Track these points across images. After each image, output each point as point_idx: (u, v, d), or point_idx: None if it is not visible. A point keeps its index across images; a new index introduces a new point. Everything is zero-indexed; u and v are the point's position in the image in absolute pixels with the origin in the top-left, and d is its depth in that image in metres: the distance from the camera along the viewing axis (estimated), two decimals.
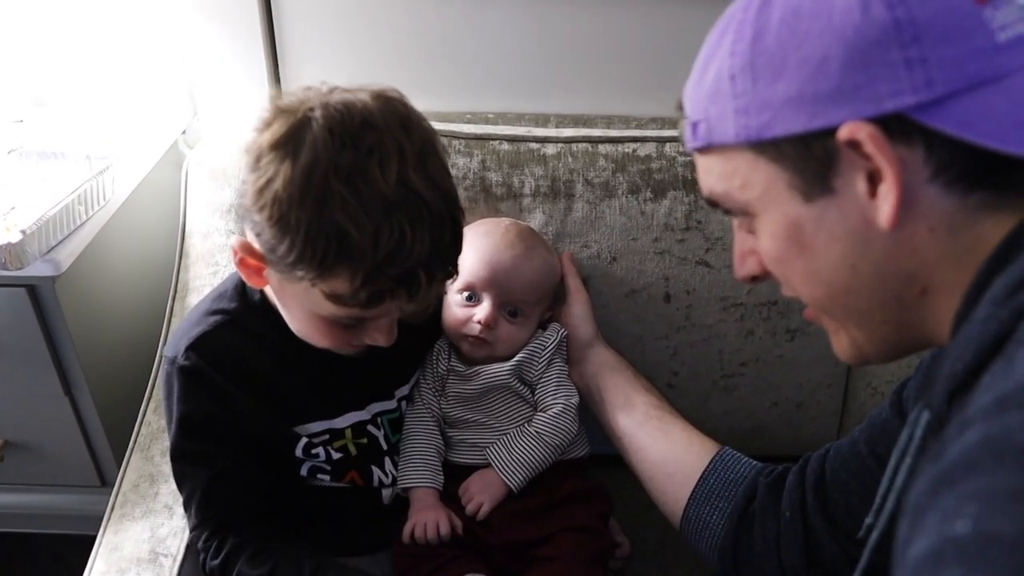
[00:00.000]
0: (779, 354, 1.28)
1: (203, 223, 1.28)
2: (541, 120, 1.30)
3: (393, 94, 0.83)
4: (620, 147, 1.22)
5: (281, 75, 1.33)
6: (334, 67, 1.32)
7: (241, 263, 0.88)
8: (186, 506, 0.99)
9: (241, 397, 0.95)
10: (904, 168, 0.55)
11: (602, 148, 1.21)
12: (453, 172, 1.16)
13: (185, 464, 0.98)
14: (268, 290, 0.94)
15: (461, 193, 1.16)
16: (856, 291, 0.61)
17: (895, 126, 0.54)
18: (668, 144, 1.22)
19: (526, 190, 1.20)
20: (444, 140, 1.18)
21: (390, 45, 1.30)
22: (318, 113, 0.78)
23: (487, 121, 1.29)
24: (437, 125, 1.20)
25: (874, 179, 0.56)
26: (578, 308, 1.16)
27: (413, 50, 1.31)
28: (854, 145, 0.55)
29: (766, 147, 0.60)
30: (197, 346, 0.94)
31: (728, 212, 0.67)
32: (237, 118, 1.35)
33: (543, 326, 1.15)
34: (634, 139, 1.23)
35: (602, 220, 1.21)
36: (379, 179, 0.77)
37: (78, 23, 1.40)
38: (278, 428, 1.00)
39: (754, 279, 0.70)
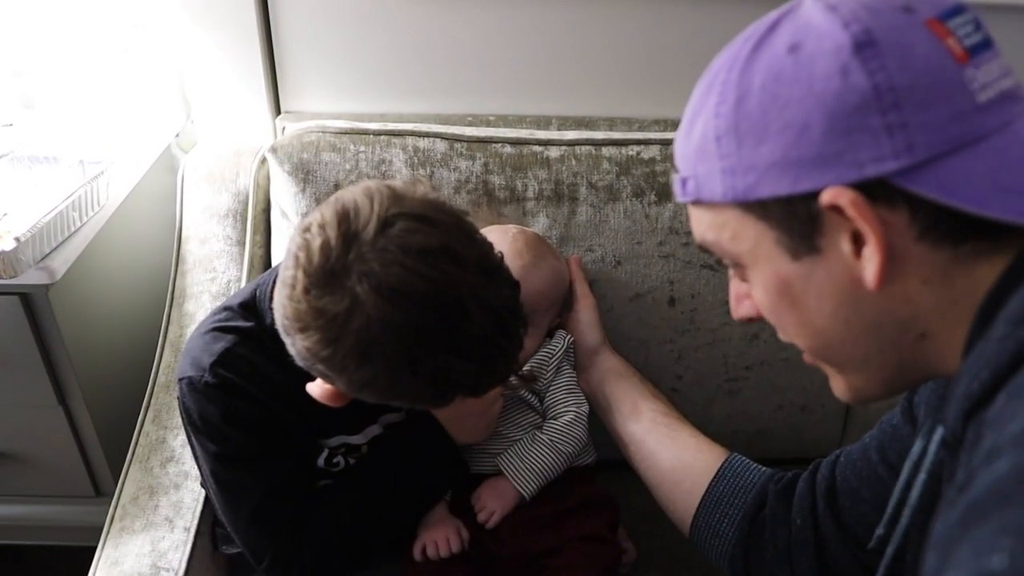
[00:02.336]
0: (784, 357, 1.27)
1: (200, 228, 1.26)
2: (543, 122, 1.29)
3: (419, 229, 0.75)
4: (624, 150, 1.20)
5: (278, 76, 1.31)
6: (333, 69, 1.30)
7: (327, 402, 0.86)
8: (247, 530, 0.95)
9: (275, 405, 0.93)
10: (888, 230, 0.55)
11: (606, 151, 1.20)
12: (455, 176, 1.17)
13: (238, 472, 0.94)
14: None
15: (463, 196, 1.17)
16: (852, 341, 0.62)
17: (877, 190, 0.54)
18: (672, 147, 1.20)
19: (529, 193, 1.18)
20: (446, 144, 1.18)
21: (390, 47, 1.28)
22: (381, 310, 0.72)
23: (488, 124, 1.27)
24: (438, 128, 1.20)
25: (858, 240, 0.56)
26: (585, 314, 1.15)
27: (413, 52, 1.29)
28: (836, 209, 0.55)
29: (753, 207, 0.60)
30: (223, 362, 0.91)
31: (718, 266, 0.68)
32: (232, 120, 1.34)
33: (550, 333, 1.14)
34: (638, 142, 1.22)
35: (606, 224, 1.20)
36: (469, 325, 0.76)
37: (66, 22, 1.38)
38: (304, 438, 0.98)
39: (751, 320, 0.70)
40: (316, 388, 0.85)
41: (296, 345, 0.77)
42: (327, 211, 0.76)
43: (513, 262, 1.03)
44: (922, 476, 0.66)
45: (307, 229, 0.76)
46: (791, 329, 0.65)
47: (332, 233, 0.74)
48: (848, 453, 0.88)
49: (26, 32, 1.37)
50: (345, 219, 0.75)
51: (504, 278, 0.82)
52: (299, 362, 0.79)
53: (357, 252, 0.73)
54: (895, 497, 0.71)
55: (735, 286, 0.71)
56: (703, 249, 0.68)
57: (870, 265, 0.56)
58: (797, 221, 0.58)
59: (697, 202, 0.64)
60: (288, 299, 0.76)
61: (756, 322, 0.70)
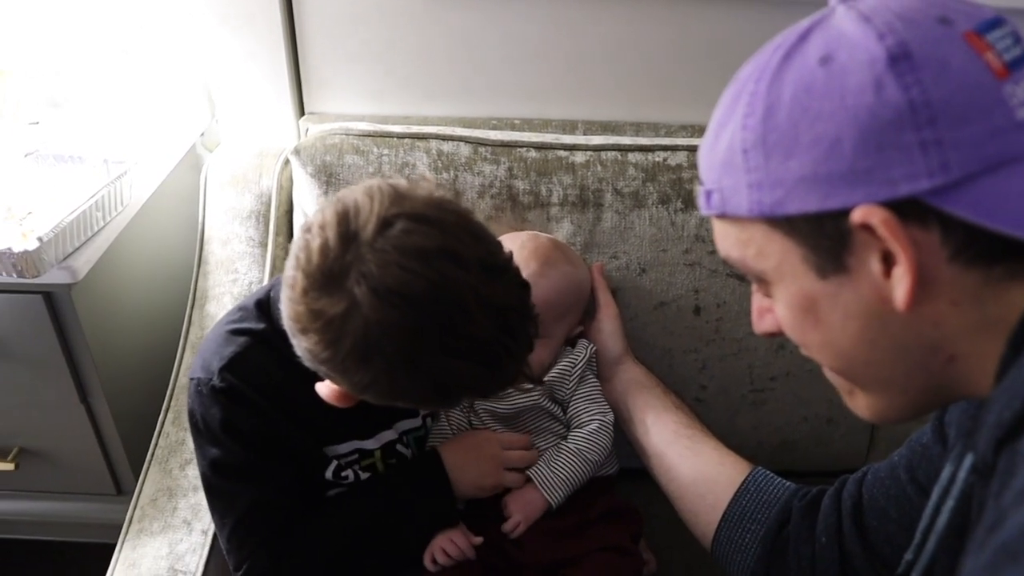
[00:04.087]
0: (810, 369, 1.25)
1: (222, 229, 1.26)
2: (568, 126, 1.28)
3: (419, 230, 0.74)
4: (650, 156, 1.19)
5: (302, 77, 1.31)
6: (357, 71, 1.29)
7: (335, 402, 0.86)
8: (228, 538, 0.95)
9: (278, 417, 0.93)
10: (919, 250, 0.53)
11: (632, 156, 1.19)
12: (479, 180, 1.16)
13: (228, 480, 0.94)
14: None
15: (487, 201, 1.16)
16: (877, 363, 0.60)
17: (909, 209, 0.53)
18: (697, 155, 1.19)
19: (554, 199, 1.17)
20: (470, 148, 1.17)
21: (415, 49, 1.27)
22: (379, 312, 0.72)
23: (513, 127, 1.26)
24: (462, 131, 1.20)
25: (888, 259, 0.54)
26: (607, 324, 1.13)
27: (438, 54, 1.28)
28: (867, 228, 0.53)
29: (779, 222, 0.58)
30: (232, 367, 0.91)
31: (744, 278, 0.66)
32: (256, 120, 1.34)
33: (571, 343, 1.12)
34: (664, 148, 1.20)
35: (631, 230, 1.18)
36: (473, 326, 0.74)
37: (93, 22, 1.38)
38: (311, 449, 0.97)
39: (772, 335, 0.68)
40: (324, 388, 0.85)
41: (299, 345, 0.77)
42: (328, 211, 0.76)
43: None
44: (950, 503, 0.65)
45: (308, 229, 0.76)
46: (815, 347, 0.64)
47: (331, 233, 0.74)
48: (876, 471, 0.87)
49: (53, 32, 1.38)
50: (344, 219, 0.74)
51: (511, 277, 0.80)
52: (305, 362, 0.79)
53: (355, 253, 0.72)
54: (923, 523, 0.69)
55: (757, 300, 0.69)
56: (727, 263, 0.66)
57: (900, 286, 0.54)
58: (825, 238, 0.56)
59: (722, 216, 0.63)
60: (289, 300, 0.76)
61: (778, 337, 0.68)
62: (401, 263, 0.72)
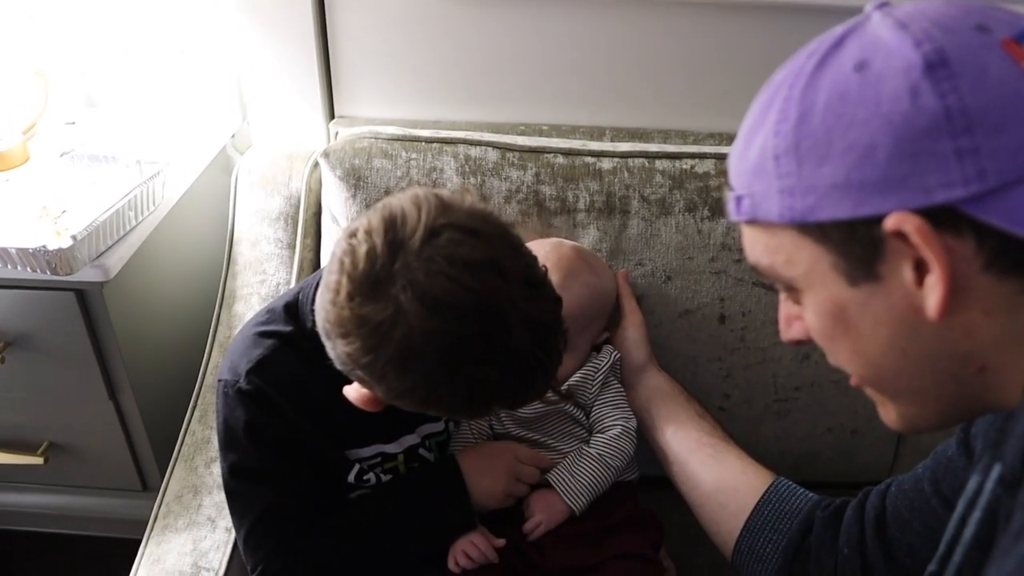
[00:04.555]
0: (835, 379, 1.24)
1: (251, 231, 1.27)
2: (596, 133, 1.28)
3: (465, 241, 0.75)
4: (678, 163, 1.19)
5: (333, 80, 1.32)
6: (387, 75, 1.30)
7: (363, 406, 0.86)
8: (245, 540, 0.96)
9: (302, 420, 0.93)
10: (953, 258, 0.52)
11: (659, 164, 1.19)
12: (506, 185, 1.16)
13: (246, 484, 0.95)
14: None
15: (514, 206, 1.16)
16: (907, 372, 0.59)
17: (944, 217, 0.52)
18: (726, 162, 1.18)
19: (580, 205, 1.17)
20: (498, 153, 1.17)
21: (444, 53, 1.28)
22: (424, 320, 0.72)
23: (541, 133, 1.26)
24: (490, 136, 1.20)
25: (921, 268, 0.54)
26: (632, 332, 1.13)
27: (467, 59, 1.29)
28: (900, 235, 0.53)
29: (811, 229, 0.57)
30: (258, 370, 0.92)
31: (773, 286, 0.66)
32: (287, 123, 1.35)
33: (597, 348, 1.12)
34: (692, 155, 1.20)
35: (657, 238, 1.18)
36: (510, 339, 0.75)
37: (129, 24, 1.40)
38: (334, 453, 0.98)
39: (799, 343, 0.68)
40: (353, 392, 0.85)
41: (337, 349, 0.77)
42: (374, 217, 0.76)
43: None
44: (977, 514, 0.64)
45: (353, 235, 0.76)
46: (843, 356, 0.63)
47: (378, 240, 0.74)
48: (900, 483, 0.86)
49: (90, 34, 1.40)
50: (392, 226, 0.74)
51: (547, 292, 0.81)
52: (338, 366, 0.79)
53: (403, 261, 0.73)
54: (948, 534, 0.68)
55: (785, 308, 0.68)
56: (755, 270, 0.66)
57: (932, 295, 0.53)
58: (857, 246, 0.55)
59: (752, 222, 0.62)
60: (331, 304, 0.76)
61: (805, 345, 0.67)
62: (448, 273, 0.72)
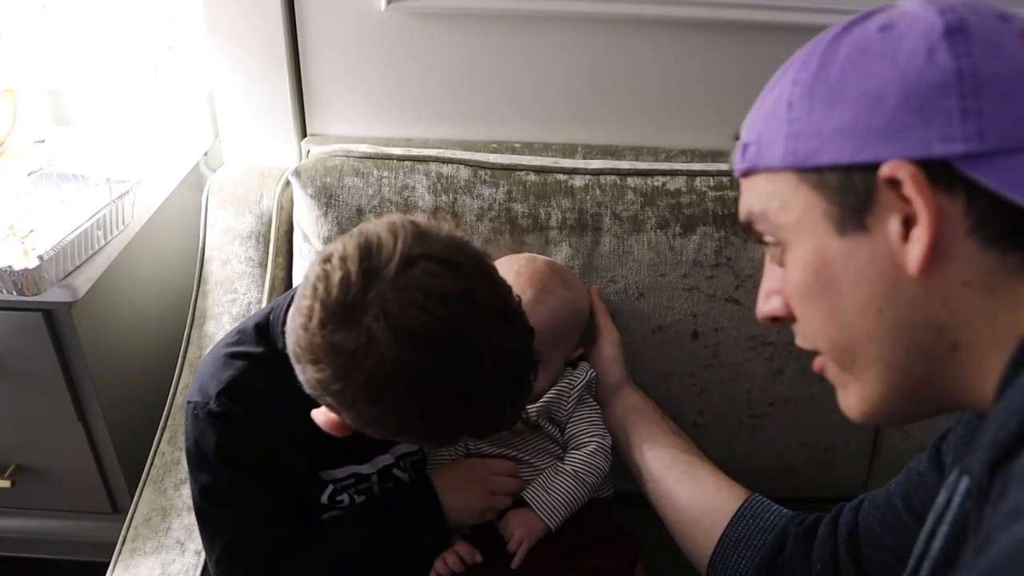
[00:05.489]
0: (809, 395, 1.24)
1: (222, 249, 1.26)
2: (568, 150, 1.28)
3: (440, 272, 0.75)
4: (649, 180, 1.19)
5: (305, 98, 1.31)
6: (359, 93, 1.30)
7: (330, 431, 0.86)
8: (217, 564, 0.95)
9: (273, 441, 0.92)
10: (940, 216, 0.54)
11: (631, 181, 1.19)
12: (478, 203, 1.16)
13: (217, 506, 0.94)
14: None
15: (486, 224, 1.16)
16: (880, 338, 0.59)
17: (939, 173, 0.53)
18: (698, 178, 1.19)
19: (552, 222, 1.17)
20: (469, 171, 1.17)
21: (416, 71, 1.28)
22: (395, 349, 0.72)
23: (513, 151, 1.27)
24: (462, 154, 1.20)
25: (909, 224, 0.55)
26: (608, 350, 1.13)
27: (440, 77, 1.29)
28: (894, 184, 0.54)
29: (809, 173, 0.59)
30: (229, 392, 0.91)
31: (762, 241, 0.66)
32: (259, 141, 1.35)
33: (573, 364, 1.12)
34: (663, 172, 1.20)
35: (630, 255, 1.18)
36: (481, 371, 0.75)
37: (100, 43, 1.40)
38: (307, 474, 0.97)
39: (775, 320, 0.68)
40: (321, 416, 0.84)
41: (306, 374, 0.77)
42: (350, 243, 0.76)
43: None
44: (944, 527, 0.64)
45: (327, 260, 0.76)
46: (817, 318, 0.62)
47: (353, 267, 0.74)
48: (872, 498, 0.86)
49: (60, 51, 1.39)
50: (367, 254, 0.74)
51: (520, 322, 0.81)
52: (307, 390, 0.79)
53: (377, 290, 0.73)
54: (917, 549, 0.68)
55: (768, 279, 0.69)
56: (747, 229, 0.67)
57: (916, 247, 0.54)
58: (851, 193, 0.57)
59: (752, 170, 0.64)
60: (303, 329, 0.75)
61: (779, 323, 0.68)
62: (423, 305, 0.72)
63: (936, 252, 0.54)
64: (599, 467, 1.06)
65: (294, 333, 0.77)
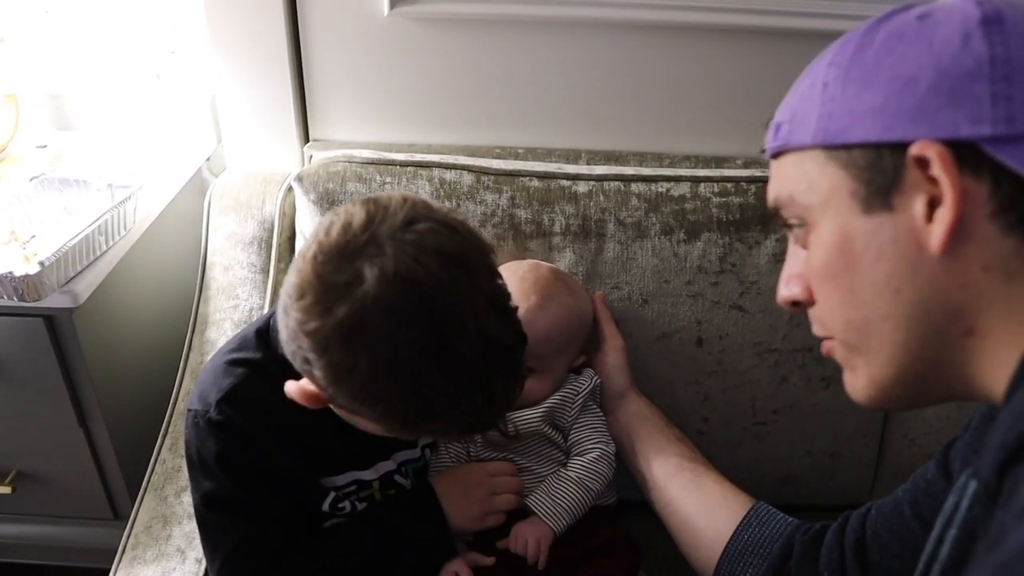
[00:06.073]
0: (813, 402, 1.24)
1: (224, 255, 1.26)
2: (572, 156, 1.28)
3: (442, 236, 0.75)
4: (653, 186, 1.19)
5: (307, 103, 1.31)
6: (362, 98, 1.30)
7: (302, 402, 0.84)
8: (219, 573, 0.94)
9: (274, 449, 0.92)
10: (965, 197, 0.55)
11: (635, 187, 1.18)
12: (481, 209, 1.16)
13: (219, 514, 0.93)
14: None
15: (489, 230, 1.15)
16: (896, 318, 0.59)
17: (966, 154, 0.55)
18: (703, 184, 1.19)
19: (556, 228, 1.17)
20: (473, 176, 1.17)
21: (419, 76, 1.28)
22: (381, 292, 0.72)
23: (516, 156, 1.26)
24: (465, 160, 1.20)
25: (933, 205, 0.56)
26: (613, 357, 1.13)
27: (442, 83, 1.28)
28: (922, 164, 0.56)
29: (838, 151, 0.61)
30: (229, 399, 0.90)
31: (786, 225, 0.67)
32: (261, 146, 1.34)
33: (577, 371, 1.12)
34: (668, 178, 1.20)
35: (634, 261, 1.18)
36: (460, 342, 0.74)
37: (102, 47, 1.40)
38: (308, 481, 0.96)
39: (794, 304, 0.69)
40: (293, 386, 0.83)
41: (289, 319, 0.76)
42: (359, 200, 0.78)
43: (518, 304, 1.02)
44: (953, 531, 0.64)
45: (335, 212, 0.78)
46: (836, 297, 0.63)
47: (358, 217, 0.75)
48: (879, 506, 0.86)
49: (62, 56, 1.39)
50: (374, 208, 0.76)
51: (512, 322, 0.80)
52: (287, 352, 0.78)
53: (376, 237, 0.73)
54: (926, 554, 0.68)
55: (790, 263, 0.70)
56: (773, 213, 0.68)
57: (939, 227, 0.55)
58: (879, 172, 0.58)
59: (784, 149, 0.65)
60: (295, 269, 0.76)
61: (798, 308, 0.69)
62: (417, 256, 0.72)
63: (958, 234, 0.55)
64: (603, 474, 1.06)
65: (287, 282, 0.77)
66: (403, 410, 0.77)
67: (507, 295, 0.81)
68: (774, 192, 0.68)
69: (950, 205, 0.55)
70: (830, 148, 0.61)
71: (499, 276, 0.81)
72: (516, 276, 1.07)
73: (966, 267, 0.56)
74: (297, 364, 0.79)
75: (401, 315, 0.72)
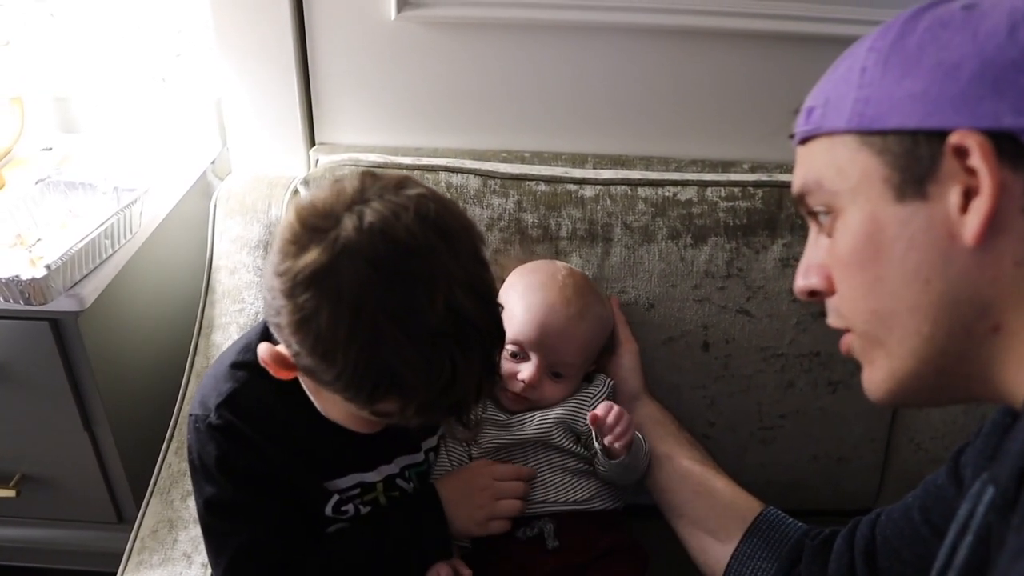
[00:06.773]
0: (820, 406, 1.24)
1: (230, 259, 1.25)
2: (578, 159, 1.28)
3: (431, 203, 0.76)
4: (660, 190, 1.18)
5: (314, 107, 1.31)
6: (368, 101, 1.30)
7: (271, 366, 0.83)
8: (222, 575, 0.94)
9: (275, 453, 0.92)
10: (1002, 189, 0.53)
11: (641, 191, 1.18)
12: (488, 213, 1.15)
13: (222, 519, 0.93)
14: None
15: (496, 234, 1.15)
16: (923, 310, 0.58)
17: (1006, 146, 0.54)
18: (710, 188, 1.19)
19: (563, 232, 1.17)
20: (479, 180, 1.17)
21: (425, 80, 1.28)
22: (356, 240, 0.72)
23: (523, 160, 1.26)
24: (472, 164, 1.19)
25: (969, 196, 0.55)
26: (628, 359, 1.13)
27: (449, 86, 1.28)
28: (960, 153, 0.54)
29: (873, 138, 0.59)
30: (229, 404, 0.90)
31: (810, 212, 0.66)
32: (267, 149, 1.34)
33: (587, 377, 1.12)
34: (674, 182, 1.19)
35: (640, 265, 1.17)
36: (428, 311, 0.72)
37: (108, 51, 1.40)
38: (311, 484, 0.96)
39: (812, 294, 0.68)
40: (264, 347, 0.82)
41: (266, 272, 0.77)
42: (359, 172, 0.79)
43: (559, 313, 1.01)
44: (968, 538, 0.63)
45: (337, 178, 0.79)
46: (861, 287, 0.62)
47: (351, 184, 0.76)
48: (889, 512, 0.86)
49: (68, 59, 1.39)
50: (367, 177, 0.77)
51: (490, 313, 0.78)
52: (264, 312, 0.79)
53: (364, 193, 0.75)
54: (940, 561, 0.67)
55: (810, 253, 0.68)
56: (798, 201, 0.67)
57: (974, 218, 0.54)
58: (915, 160, 0.57)
59: (814, 133, 0.64)
60: (283, 221, 0.77)
61: (815, 298, 0.67)
62: (399, 214, 0.73)
63: (993, 226, 0.54)
64: (644, 451, 1.04)
65: (277, 232, 0.78)
66: (362, 372, 0.74)
67: (492, 287, 0.80)
68: (801, 178, 0.66)
69: (987, 196, 0.53)
70: (864, 133, 0.60)
71: (487, 267, 0.80)
72: (557, 279, 1.08)
73: (998, 261, 0.55)
74: (270, 319, 0.78)
75: (372, 266, 0.71)
